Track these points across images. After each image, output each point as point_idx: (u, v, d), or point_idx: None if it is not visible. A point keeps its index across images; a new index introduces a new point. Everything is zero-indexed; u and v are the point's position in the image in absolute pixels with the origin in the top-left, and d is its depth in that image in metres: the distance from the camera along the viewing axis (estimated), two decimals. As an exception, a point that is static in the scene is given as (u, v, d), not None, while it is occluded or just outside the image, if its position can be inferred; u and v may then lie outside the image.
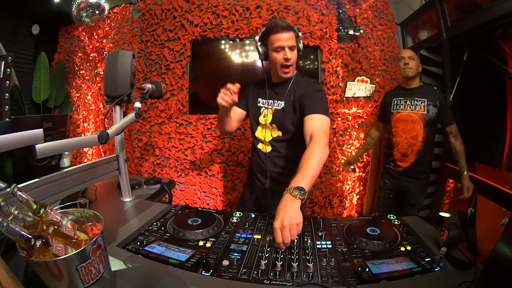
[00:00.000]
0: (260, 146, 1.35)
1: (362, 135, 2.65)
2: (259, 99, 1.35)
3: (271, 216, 1.11)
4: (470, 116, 2.11)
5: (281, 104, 1.27)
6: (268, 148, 1.32)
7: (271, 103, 1.31)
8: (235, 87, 1.10)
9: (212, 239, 0.93)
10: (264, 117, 1.31)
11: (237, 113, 1.38)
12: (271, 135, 1.31)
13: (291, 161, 1.27)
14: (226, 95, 1.11)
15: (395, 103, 1.85)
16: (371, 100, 2.63)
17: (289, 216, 0.78)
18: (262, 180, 1.36)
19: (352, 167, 2.42)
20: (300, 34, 1.21)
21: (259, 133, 1.34)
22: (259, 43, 1.25)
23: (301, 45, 1.22)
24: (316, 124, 1.08)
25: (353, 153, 2.63)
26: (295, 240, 0.88)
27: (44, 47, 2.71)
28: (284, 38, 1.16)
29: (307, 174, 0.88)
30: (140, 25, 2.56)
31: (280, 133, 1.28)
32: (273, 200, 1.31)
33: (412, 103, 1.76)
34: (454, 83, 2.09)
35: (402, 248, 0.87)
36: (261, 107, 1.33)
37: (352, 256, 0.83)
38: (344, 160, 2.30)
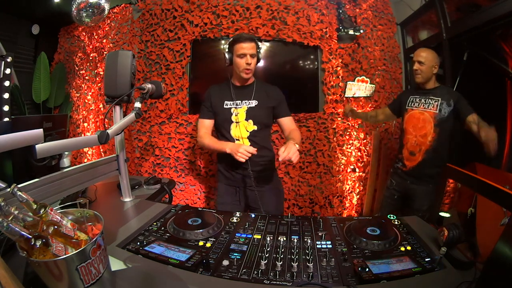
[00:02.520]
0: (237, 143, 1.50)
1: (362, 135, 2.65)
2: (226, 102, 1.52)
3: (271, 216, 1.11)
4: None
5: (253, 102, 1.50)
6: (247, 143, 1.49)
7: (240, 103, 1.51)
8: (254, 151, 1.34)
9: (212, 239, 0.93)
10: (236, 115, 1.49)
11: (211, 126, 1.57)
12: (247, 131, 1.50)
13: (267, 149, 1.56)
14: (245, 155, 1.32)
15: (410, 100, 1.81)
16: (371, 100, 2.63)
17: (293, 148, 1.18)
18: (243, 173, 1.51)
19: (349, 116, 2.13)
20: (260, 45, 1.46)
21: (234, 131, 1.50)
22: (226, 50, 1.47)
23: (260, 56, 1.48)
24: (292, 124, 1.56)
25: (353, 152, 2.63)
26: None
27: (44, 47, 2.71)
28: (247, 47, 1.40)
29: (298, 140, 1.38)
30: (140, 25, 2.56)
31: (255, 127, 1.50)
32: (258, 186, 1.46)
33: (426, 102, 1.73)
34: (454, 83, 2.09)
35: (402, 248, 0.87)
36: (231, 107, 1.51)
37: (352, 256, 0.83)
38: (347, 107, 2.11)
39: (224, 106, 1.52)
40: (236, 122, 1.50)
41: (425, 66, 1.67)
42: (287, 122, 1.55)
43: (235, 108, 1.50)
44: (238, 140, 1.51)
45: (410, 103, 1.82)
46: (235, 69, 1.49)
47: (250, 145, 1.47)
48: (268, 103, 1.52)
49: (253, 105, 1.50)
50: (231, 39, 1.47)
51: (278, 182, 1.71)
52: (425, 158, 1.75)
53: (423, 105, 1.74)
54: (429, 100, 1.72)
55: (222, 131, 1.55)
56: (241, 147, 1.33)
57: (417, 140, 1.76)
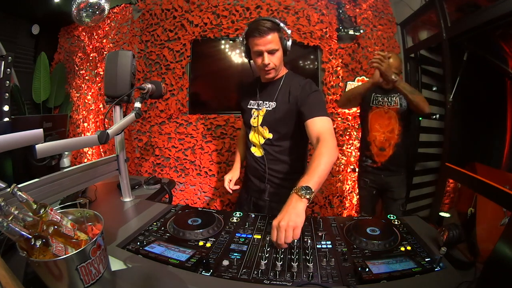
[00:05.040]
0: (253, 149, 1.31)
1: (362, 135, 2.65)
2: (250, 101, 1.31)
3: (271, 216, 1.11)
4: (470, 116, 2.11)
5: (272, 105, 1.22)
6: (260, 152, 1.28)
7: (261, 104, 1.26)
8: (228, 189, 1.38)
9: (212, 239, 0.93)
10: (254, 119, 1.27)
11: None
12: (263, 138, 1.26)
13: (286, 164, 1.26)
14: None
15: (374, 98, 1.84)
16: (371, 100, 2.63)
17: (289, 218, 0.77)
18: (257, 183, 1.33)
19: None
20: (288, 31, 1.13)
21: (252, 136, 1.30)
22: (244, 43, 1.19)
23: (288, 43, 1.14)
24: (321, 127, 1.05)
25: (353, 152, 2.63)
26: (295, 241, 0.84)
27: (44, 47, 2.71)
28: (262, 43, 1.08)
29: (315, 174, 0.86)
30: (140, 25, 2.56)
31: (271, 136, 1.23)
32: (270, 203, 1.30)
33: (389, 100, 1.81)
34: (454, 83, 2.09)
35: (402, 248, 0.87)
36: (252, 108, 1.29)
37: (352, 256, 0.83)
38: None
39: (248, 106, 1.31)
40: (254, 127, 1.28)
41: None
42: (313, 125, 1.06)
43: (256, 109, 1.27)
44: (255, 146, 1.30)
45: (374, 101, 1.85)
46: (256, 67, 1.22)
47: (263, 155, 1.26)
48: (287, 105, 1.18)
49: (271, 108, 1.22)
50: (246, 28, 1.14)
51: None
52: (395, 151, 1.82)
53: (387, 104, 1.81)
54: (391, 97, 1.79)
55: (247, 132, 1.35)
56: (225, 183, 1.40)
57: (385, 136, 1.82)
